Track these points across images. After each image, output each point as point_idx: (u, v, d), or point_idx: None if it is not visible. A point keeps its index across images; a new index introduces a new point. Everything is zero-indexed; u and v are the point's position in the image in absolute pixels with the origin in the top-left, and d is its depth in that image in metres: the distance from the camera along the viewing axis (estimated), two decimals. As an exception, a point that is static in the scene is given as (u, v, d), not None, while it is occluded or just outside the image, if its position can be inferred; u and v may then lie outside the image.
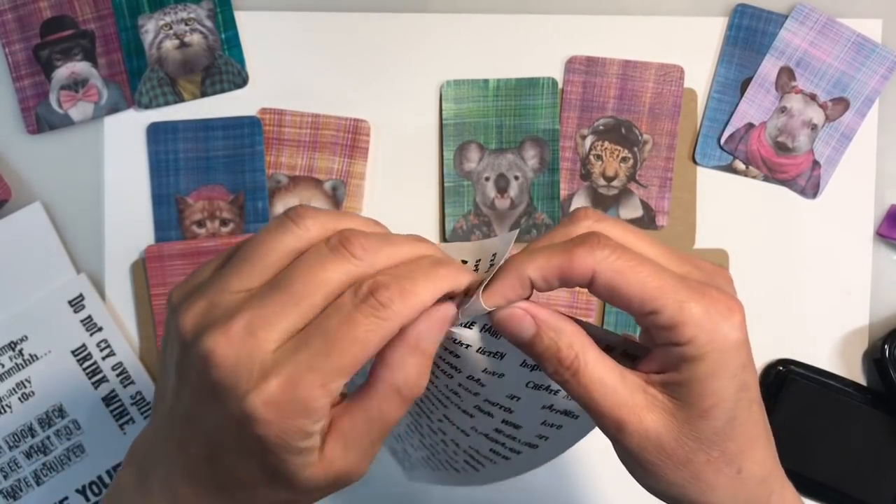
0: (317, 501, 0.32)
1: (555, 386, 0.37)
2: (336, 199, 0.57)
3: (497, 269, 0.32)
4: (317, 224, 0.31)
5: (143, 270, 0.56)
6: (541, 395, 0.39)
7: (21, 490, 0.56)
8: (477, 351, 0.36)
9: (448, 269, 0.32)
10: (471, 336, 0.34)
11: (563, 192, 0.58)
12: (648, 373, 0.33)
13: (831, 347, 0.58)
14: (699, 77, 0.58)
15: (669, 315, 0.30)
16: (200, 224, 0.57)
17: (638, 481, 0.35)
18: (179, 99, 0.57)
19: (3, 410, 0.56)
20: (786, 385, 0.57)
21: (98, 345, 0.56)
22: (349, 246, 0.30)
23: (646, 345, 0.33)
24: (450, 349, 0.36)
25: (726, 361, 0.31)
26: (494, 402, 0.40)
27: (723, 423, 0.32)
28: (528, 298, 0.32)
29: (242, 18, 0.57)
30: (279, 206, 0.57)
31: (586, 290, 0.32)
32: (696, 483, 0.33)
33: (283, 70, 0.57)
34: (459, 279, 0.32)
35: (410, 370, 0.31)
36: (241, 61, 0.57)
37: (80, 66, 0.56)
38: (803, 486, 0.58)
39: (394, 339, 0.30)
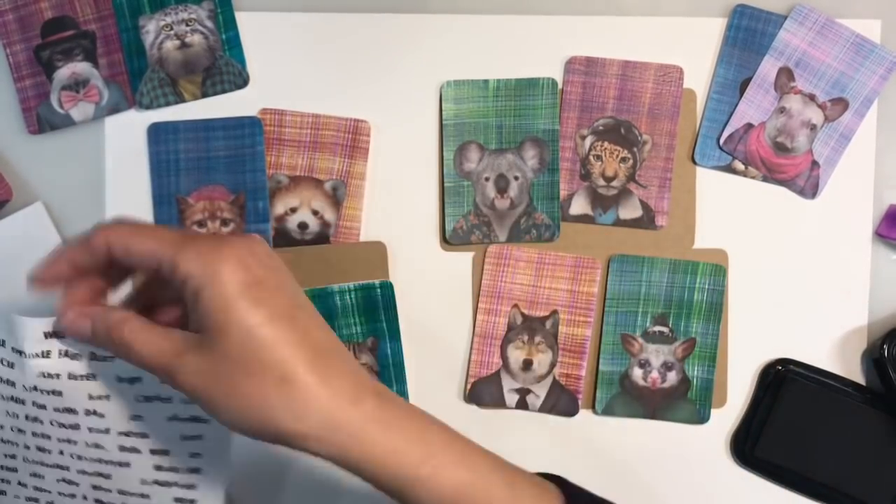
0: None
1: (165, 393, 0.43)
2: (336, 199, 0.57)
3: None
4: None
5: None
6: (156, 406, 0.44)
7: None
8: (69, 378, 0.43)
9: None
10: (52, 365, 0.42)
11: (563, 193, 0.58)
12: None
13: (830, 347, 0.58)
14: (698, 77, 0.58)
15: (167, 264, 0.36)
16: (201, 224, 0.57)
17: (218, 420, 0.38)
18: (180, 99, 0.57)
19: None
20: (785, 384, 0.57)
21: (99, 344, 0.56)
22: None
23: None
24: (45, 390, 0.44)
25: (224, 284, 0.36)
26: (125, 431, 0.45)
27: (242, 334, 0.36)
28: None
29: (243, 19, 0.57)
30: (280, 207, 0.57)
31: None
32: (255, 406, 0.36)
33: (284, 70, 0.57)
34: None
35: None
36: (242, 62, 0.57)
37: (80, 67, 0.57)
38: (802, 486, 0.58)
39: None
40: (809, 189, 0.58)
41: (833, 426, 0.57)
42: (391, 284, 0.57)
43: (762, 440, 0.57)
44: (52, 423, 0.45)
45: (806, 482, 0.58)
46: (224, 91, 0.57)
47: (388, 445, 0.37)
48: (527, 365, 0.58)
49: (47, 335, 0.44)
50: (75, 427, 0.46)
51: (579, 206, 0.58)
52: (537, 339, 0.58)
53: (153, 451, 0.47)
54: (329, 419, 0.36)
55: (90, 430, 0.46)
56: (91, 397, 0.45)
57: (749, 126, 0.58)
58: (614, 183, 0.58)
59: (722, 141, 0.58)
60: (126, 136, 0.57)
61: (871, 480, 0.57)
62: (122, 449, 0.47)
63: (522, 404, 0.58)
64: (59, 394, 0.44)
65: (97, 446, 0.46)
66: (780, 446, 0.57)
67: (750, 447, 0.57)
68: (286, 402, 0.36)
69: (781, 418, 0.57)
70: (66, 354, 0.43)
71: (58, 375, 0.43)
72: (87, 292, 0.41)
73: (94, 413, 0.45)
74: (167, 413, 0.46)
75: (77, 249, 0.40)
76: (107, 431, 0.46)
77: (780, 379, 0.57)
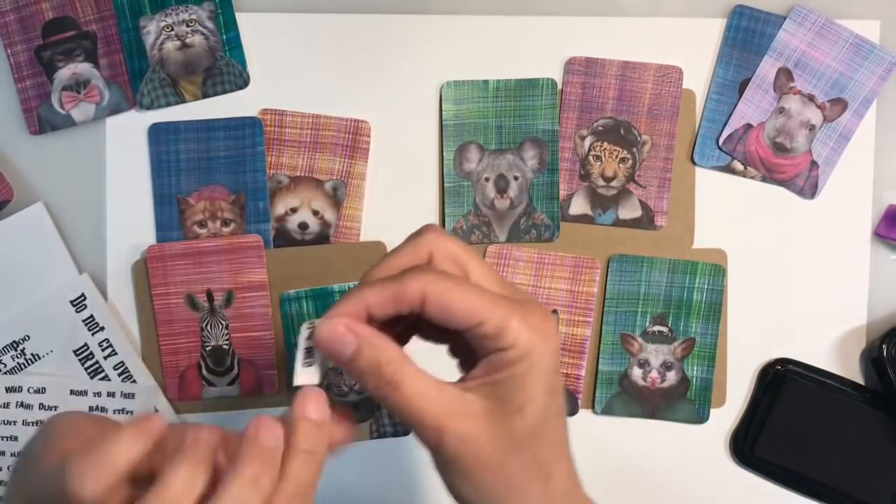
0: None
1: None
2: (336, 200, 0.58)
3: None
4: None
5: (144, 270, 0.57)
6: None
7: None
8: (23, 424, 0.51)
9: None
10: None
11: (563, 193, 0.58)
12: (469, 380, 0.35)
13: (829, 347, 0.58)
14: (698, 78, 0.58)
15: (494, 324, 0.34)
16: (202, 224, 0.57)
17: (455, 494, 0.36)
18: (181, 100, 0.57)
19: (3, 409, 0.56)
20: (784, 384, 0.57)
21: (100, 344, 0.56)
22: None
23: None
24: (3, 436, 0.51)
25: (542, 362, 0.34)
26: None
27: (535, 422, 0.35)
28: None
29: (244, 19, 0.57)
30: (280, 207, 0.57)
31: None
32: (509, 490, 0.35)
33: (284, 71, 0.57)
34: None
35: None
36: (243, 62, 0.57)
37: (81, 67, 0.57)
38: (801, 485, 0.58)
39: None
40: (808, 189, 0.58)
41: (832, 426, 0.57)
42: (391, 284, 0.57)
43: (761, 440, 0.57)
44: (8, 469, 0.53)
45: (805, 482, 0.58)
46: (225, 91, 0.57)
47: None
48: (527, 365, 0.58)
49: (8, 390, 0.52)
50: None
51: (579, 206, 0.58)
52: (537, 338, 0.58)
53: None
54: None
55: None
56: None
57: (748, 126, 0.58)
58: (614, 183, 0.58)
59: (721, 141, 0.58)
60: (127, 136, 0.57)
61: (870, 480, 0.57)
62: None
63: (522, 404, 0.58)
64: (16, 439, 0.51)
65: None
66: (779, 446, 0.57)
67: (749, 447, 0.57)
68: (541, 499, 0.35)
69: (780, 418, 0.57)
70: (22, 405, 0.50)
71: (14, 422, 0.50)
72: (362, 314, 0.36)
73: None
74: None
75: (382, 293, 0.35)
76: None
77: (780, 379, 0.57)
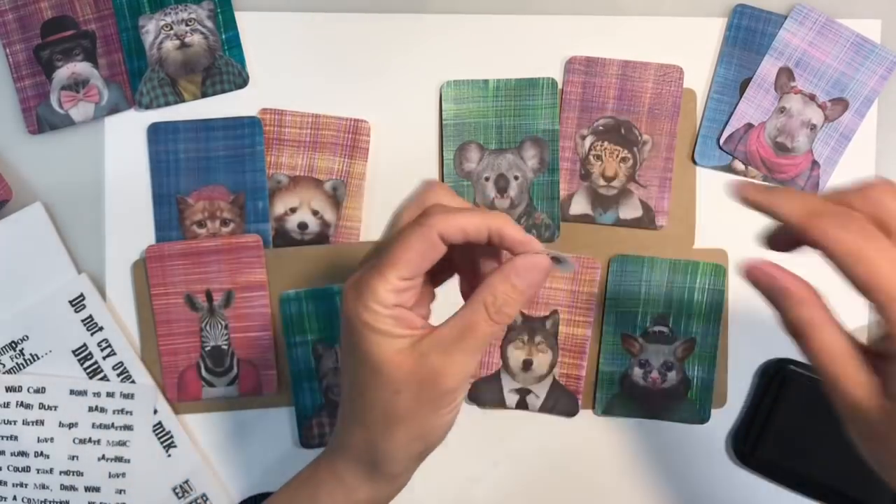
0: (420, 408, 0.38)
1: (96, 436, 0.55)
2: (336, 199, 0.57)
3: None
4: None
5: (143, 270, 0.56)
6: (88, 448, 0.54)
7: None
8: (23, 424, 0.54)
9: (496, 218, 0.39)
10: None
11: (563, 193, 0.58)
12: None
13: (830, 347, 0.58)
14: (698, 77, 0.58)
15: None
16: (201, 224, 0.57)
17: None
18: (180, 99, 0.57)
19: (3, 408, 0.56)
20: (785, 384, 0.57)
21: (99, 344, 0.56)
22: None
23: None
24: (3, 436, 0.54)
25: None
26: (65, 470, 0.56)
27: None
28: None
29: (243, 19, 0.57)
30: (279, 206, 0.57)
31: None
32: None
33: (284, 70, 0.57)
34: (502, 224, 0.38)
35: (498, 292, 0.38)
36: (242, 62, 0.57)
37: (80, 67, 0.57)
38: (802, 486, 0.58)
39: (499, 268, 0.38)
40: (810, 189, 0.58)
41: (833, 426, 0.57)
42: (391, 284, 0.57)
43: (762, 440, 0.57)
44: (8, 469, 0.55)
45: (806, 482, 0.57)
46: (224, 91, 0.57)
47: None
48: (527, 365, 0.58)
49: (8, 389, 0.54)
50: (27, 470, 0.55)
51: (579, 206, 0.58)
52: (537, 339, 0.58)
53: (87, 489, 0.55)
54: None
55: (38, 471, 0.55)
56: (39, 440, 0.55)
57: (749, 126, 0.58)
58: (614, 183, 0.58)
59: (722, 141, 0.58)
60: (126, 135, 0.57)
61: (871, 480, 0.57)
62: (63, 487, 0.55)
63: (522, 404, 0.58)
64: (15, 438, 0.52)
65: (44, 487, 0.55)
66: (779, 446, 0.57)
67: (749, 447, 0.57)
68: None
69: (781, 418, 0.57)
70: (22, 405, 0.51)
71: (14, 422, 0.52)
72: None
73: (42, 454, 0.55)
74: (97, 454, 0.55)
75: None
76: (51, 471, 0.55)
77: (780, 378, 0.57)
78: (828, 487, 0.57)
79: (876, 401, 0.36)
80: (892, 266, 0.34)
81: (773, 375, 0.57)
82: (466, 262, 0.42)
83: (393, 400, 0.38)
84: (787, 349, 0.58)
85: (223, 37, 0.57)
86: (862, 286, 0.34)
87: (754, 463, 0.58)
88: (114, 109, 0.57)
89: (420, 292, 0.40)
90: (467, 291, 0.43)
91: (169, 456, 0.57)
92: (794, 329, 0.38)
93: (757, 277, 0.38)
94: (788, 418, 0.57)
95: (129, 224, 0.57)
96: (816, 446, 0.57)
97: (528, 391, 0.58)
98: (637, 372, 0.58)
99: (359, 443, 0.40)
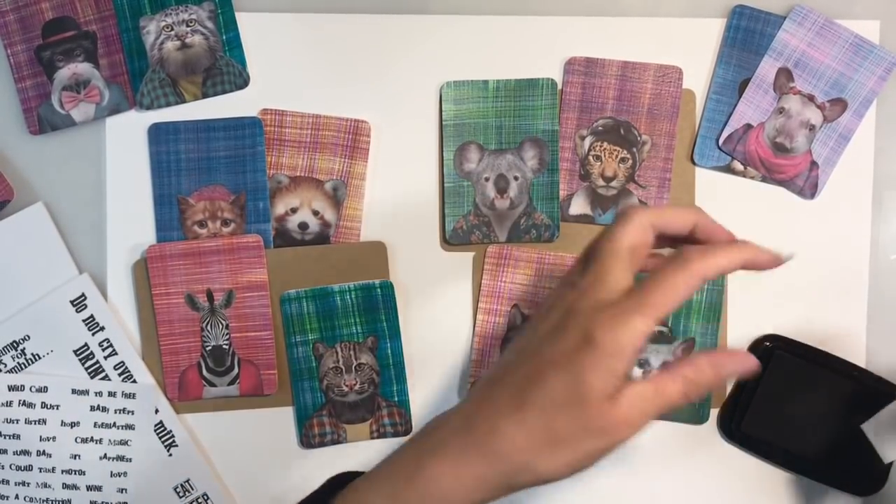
0: (591, 451, 0.38)
1: (97, 435, 0.55)
2: (336, 200, 0.58)
3: None
4: None
5: (144, 270, 0.57)
6: (90, 447, 0.56)
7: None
8: (26, 423, 0.56)
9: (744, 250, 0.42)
10: None
11: (563, 193, 0.58)
12: None
13: (829, 347, 0.58)
14: (698, 78, 0.58)
15: None
16: (202, 224, 0.57)
17: None
18: (181, 100, 0.57)
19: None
20: (772, 360, 0.57)
21: (100, 344, 0.56)
22: None
23: None
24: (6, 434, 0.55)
25: None
26: (67, 469, 0.56)
27: None
28: None
29: (243, 19, 0.57)
30: (280, 207, 0.57)
31: None
32: None
33: (284, 71, 0.57)
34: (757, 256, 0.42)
35: (703, 376, 0.39)
36: (243, 62, 0.57)
37: (81, 67, 0.57)
38: (788, 461, 0.58)
39: (707, 352, 0.39)
40: (808, 189, 0.58)
41: (819, 402, 0.57)
42: (391, 284, 0.57)
43: (748, 416, 0.57)
44: (11, 468, 0.55)
45: (792, 457, 0.58)
46: (224, 91, 0.57)
47: None
48: (526, 364, 0.58)
49: (10, 388, 0.54)
50: (29, 469, 0.55)
51: (579, 206, 0.58)
52: (537, 338, 0.58)
53: (88, 488, 0.56)
54: None
55: (41, 470, 0.55)
56: (41, 439, 0.55)
57: (748, 126, 0.58)
58: (614, 183, 0.58)
59: (721, 141, 0.58)
60: (127, 136, 0.57)
61: (857, 455, 0.57)
62: (65, 486, 0.55)
63: (522, 404, 0.58)
64: (18, 437, 0.52)
65: (46, 486, 0.55)
66: (766, 422, 0.57)
67: (736, 423, 0.57)
68: None
69: (768, 394, 0.57)
70: (25, 403, 0.52)
71: (17, 420, 0.53)
72: None
73: (44, 454, 0.55)
74: (99, 453, 0.56)
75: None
76: (53, 470, 0.55)
77: (768, 355, 0.57)
78: (809, 461, 0.57)
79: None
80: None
81: (762, 351, 0.57)
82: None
83: (577, 434, 0.38)
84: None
85: (224, 37, 0.57)
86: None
87: (739, 437, 0.58)
88: (115, 110, 0.57)
89: None
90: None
91: (170, 455, 0.57)
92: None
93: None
94: (775, 394, 0.57)
95: (131, 224, 0.57)
96: (802, 422, 0.57)
97: (528, 391, 0.58)
98: (636, 372, 0.58)
99: (512, 453, 0.38)
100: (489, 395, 0.40)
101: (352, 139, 0.57)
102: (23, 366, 0.56)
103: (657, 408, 0.38)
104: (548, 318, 0.40)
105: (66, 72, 0.57)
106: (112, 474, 0.56)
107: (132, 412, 0.56)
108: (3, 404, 0.55)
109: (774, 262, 0.42)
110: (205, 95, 0.57)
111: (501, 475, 0.39)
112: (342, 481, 0.43)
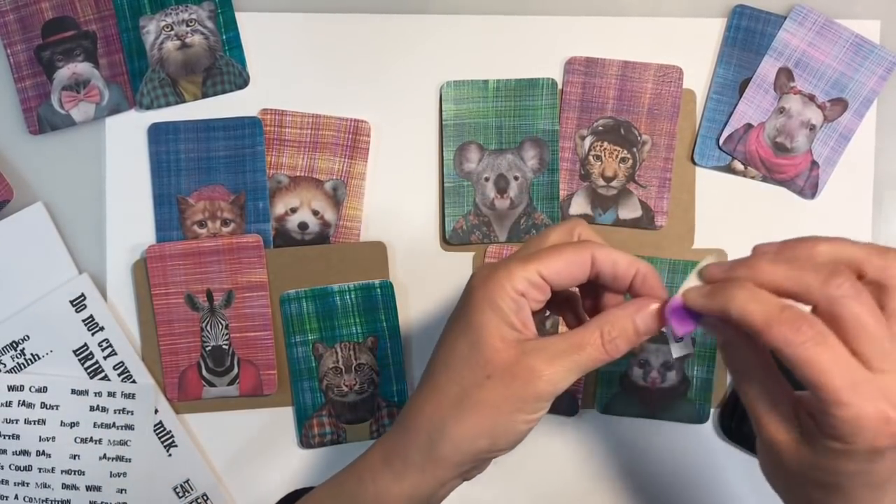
0: (503, 403, 0.38)
1: (97, 435, 0.55)
2: (336, 200, 0.58)
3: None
4: None
5: (144, 270, 0.57)
6: (90, 447, 0.55)
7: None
8: (25, 423, 0.55)
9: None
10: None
11: (563, 193, 0.58)
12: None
13: (829, 347, 0.58)
14: (698, 78, 0.58)
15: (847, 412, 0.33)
16: (202, 224, 0.57)
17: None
18: (180, 100, 0.57)
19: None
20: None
21: (100, 344, 0.56)
22: None
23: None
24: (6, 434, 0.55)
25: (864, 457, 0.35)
26: (67, 469, 0.56)
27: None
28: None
29: (243, 19, 0.57)
30: (280, 206, 0.57)
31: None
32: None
33: (284, 71, 0.57)
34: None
35: (617, 325, 0.39)
36: (242, 62, 0.57)
37: (81, 67, 0.57)
38: None
39: (623, 304, 0.40)
40: (809, 189, 0.58)
41: None
42: (391, 284, 0.57)
43: (746, 416, 0.57)
44: (10, 468, 0.55)
45: None
46: (224, 91, 0.57)
47: None
48: (526, 365, 0.58)
49: (10, 388, 0.54)
50: (28, 469, 0.55)
51: (579, 206, 0.58)
52: (537, 338, 0.58)
53: (88, 488, 0.56)
54: None
55: (40, 470, 0.55)
56: (41, 439, 0.55)
57: (748, 126, 0.58)
58: (614, 183, 0.58)
59: (721, 141, 0.58)
60: (126, 136, 0.57)
61: None
62: (64, 487, 0.55)
63: (522, 404, 0.58)
64: (17, 437, 0.52)
65: (45, 486, 0.55)
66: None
67: (736, 423, 0.57)
68: None
69: None
70: (24, 404, 0.52)
71: (16, 421, 0.53)
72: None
73: (43, 454, 0.55)
74: (98, 453, 0.56)
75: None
76: (52, 470, 0.55)
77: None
78: None
79: (794, 447, 0.37)
80: (839, 367, 0.33)
81: None
82: (588, 294, 0.43)
83: (480, 382, 0.38)
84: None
85: (224, 37, 0.57)
86: (812, 388, 0.34)
87: (739, 438, 0.58)
88: (114, 110, 0.57)
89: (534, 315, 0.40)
90: (573, 324, 0.44)
91: (170, 455, 0.57)
92: (732, 370, 0.39)
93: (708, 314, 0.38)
94: None
95: (130, 224, 0.57)
96: None
97: (528, 391, 0.58)
98: (637, 372, 0.58)
99: (424, 422, 0.40)
100: (417, 390, 0.42)
101: (352, 139, 0.57)
102: (22, 366, 0.56)
103: (574, 363, 0.38)
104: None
105: (65, 72, 0.57)
106: (111, 474, 0.56)
107: (132, 412, 0.56)
108: (2, 404, 0.55)
109: (663, 297, 0.40)
110: (205, 95, 0.57)
111: (421, 452, 0.39)
112: (294, 498, 0.45)
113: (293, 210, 0.57)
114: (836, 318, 0.34)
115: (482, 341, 0.38)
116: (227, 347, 0.57)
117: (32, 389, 0.56)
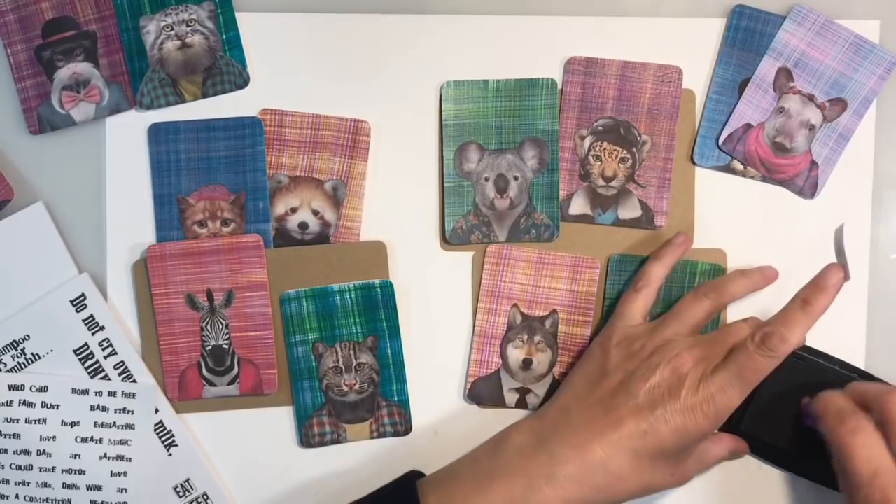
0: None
1: (97, 435, 0.56)
2: (336, 200, 0.58)
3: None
4: None
5: (144, 270, 0.57)
6: (90, 446, 0.56)
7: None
8: (26, 422, 0.56)
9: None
10: None
11: (563, 193, 0.58)
12: None
13: (828, 346, 0.58)
14: (697, 78, 0.58)
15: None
16: (202, 224, 0.57)
17: None
18: (181, 99, 0.57)
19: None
20: None
21: (100, 344, 0.56)
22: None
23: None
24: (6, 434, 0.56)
25: None
26: (67, 468, 0.56)
27: None
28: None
29: (244, 19, 0.57)
30: (280, 206, 0.57)
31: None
32: None
33: (284, 71, 0.57)
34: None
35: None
36: (243, 62, 0.57)
37: (81, 67, 0.57)
38: (788, 462, 0.58)
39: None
40: (808, 189, 0.58)
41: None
42: (391, 284, 0.57)
43: (748, 416, 0.57)
44: (11, 467, 0.55)
45: (791, 457, 0.58)
46: (224, 91, 0.57)
47: None
48: (526, 364, 0.58)
49: (11, 388, 0.54)
50: (29, 468, 0.55)
51: (578, 205, 0.58)
52: (537, 338, 0.58)
53: (88, 487, 0.56)
54: None
55: (40, 469, 0.55)
56: (41, 438, 0.55)
57: (748, 126, 0.58)
58: (613, 183, 0.58)
59: (721, 141, 0.58)
60: (127, 136, 0.57)
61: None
62: (65, 486, 0.56)
63: (522, 403, 0.58)
64: (18, 437, 0.52)
65: (46, 485, 0.56)
66: (766, 422, 0.57)
67: (736, 423, 0.57)
68: None
69: (767, 394, 0.57)
70: (25, 403, 0.52)
71: (17, 420, 0.53)
72: None
73: (44, 453, 0.55)
74: (99, 453, 0.56)
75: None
76: (53, 470, 0.55)
77: None
78: (809, 462, 0.57)
79: None
80: (868, 454, 0.45)
81: None
82: None
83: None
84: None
85: (224, 37, 0.57)
86: (843, 470, 0.46)
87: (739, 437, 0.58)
88: (115, 110, 0.57)
89: None
90: None
91: (170, 455, 0.57)
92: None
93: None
94: (775, 394, 0.57)
95: (130, 224, 0.57)
96: (799, 422, 0.57)
97: (528, 390, 0.58)
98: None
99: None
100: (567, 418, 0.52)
101: (352, 139, 0.57)
102: (23, 365, 0.56)
103: (697, 467, 0.54)
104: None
105: (65, 71, 0.57)
106: (112, 474, 0.56)
107: (132, 412, 0.57)
108: (3, 404, 0.55)
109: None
110: (205, 95, 0.57)
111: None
112: (413, 478, 0.52)
113: (293, 210, 0.58)
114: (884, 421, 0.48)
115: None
116: (227, 347, 0.57)
117: (33, 389, 0.56)
